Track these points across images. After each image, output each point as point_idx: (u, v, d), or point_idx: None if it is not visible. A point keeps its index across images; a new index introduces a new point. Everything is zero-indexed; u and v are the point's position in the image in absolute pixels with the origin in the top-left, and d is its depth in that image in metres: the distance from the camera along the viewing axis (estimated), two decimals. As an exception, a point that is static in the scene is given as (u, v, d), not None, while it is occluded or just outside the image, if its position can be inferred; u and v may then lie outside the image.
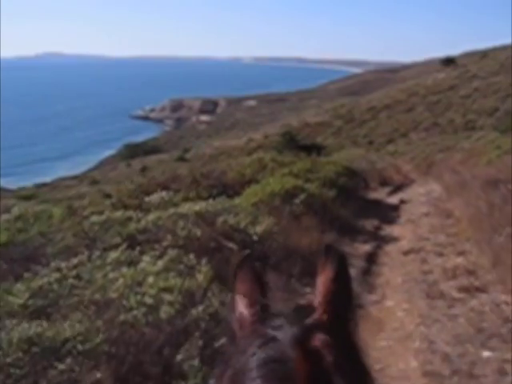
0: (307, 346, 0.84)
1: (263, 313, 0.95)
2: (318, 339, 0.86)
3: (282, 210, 6.27)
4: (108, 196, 6.82)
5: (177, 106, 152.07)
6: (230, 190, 7.26)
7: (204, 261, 4.54)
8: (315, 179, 7.96)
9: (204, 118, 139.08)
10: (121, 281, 4.24)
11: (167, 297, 4.10)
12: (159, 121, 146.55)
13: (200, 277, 4.35)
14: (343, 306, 0.97)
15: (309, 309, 0.95)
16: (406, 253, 6.60)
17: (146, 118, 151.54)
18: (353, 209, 7.92)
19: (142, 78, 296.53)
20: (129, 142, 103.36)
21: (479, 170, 10.57)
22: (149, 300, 4.05)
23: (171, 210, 5.29)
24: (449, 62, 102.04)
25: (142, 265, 4.59)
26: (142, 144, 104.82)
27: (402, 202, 10.43)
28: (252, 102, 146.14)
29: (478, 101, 60.47)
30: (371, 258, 6.43)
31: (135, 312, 3.95)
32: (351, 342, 0.93)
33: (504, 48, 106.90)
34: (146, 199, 6.70)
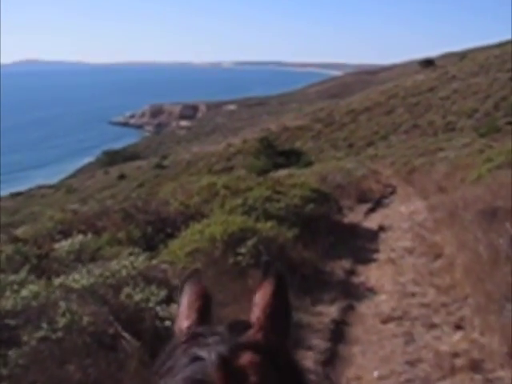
0: (231, 366, 0.81)
1: (197, 329, 0.92)
2: (246, 358, 0.83)
3: (223, 263, 5.00)
4: (16, 240, 5.55)
5: (157, 112, 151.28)
6: (170, 226, 5.98)
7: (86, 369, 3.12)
8: (274, 212, 6.63)
9: (184, 123, 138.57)
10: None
11: None
12: (139, 127, 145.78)
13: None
14: (281, 323, 0.95)
15: (245, 324, 0.91)
16: (385, 320, 5.19)
17: (125, 124, 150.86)
18: (321, 247, 6.51)
19: (121, 84, 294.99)
20: (108, 148, 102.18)
21: (469, 190, 9.10)
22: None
23: (57, 281, 3.96)
24: (428, 63, 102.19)
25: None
26: (121, 151, 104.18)
27: (381, 228, 8.94)
28: (232, 107, 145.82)
29: (457, 102, 60.09)
30: (338, 331, 4.99)
31: None
32: (287, 361, 0.90)
33: (483, 49, 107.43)
34: (57, 246, 5.38)
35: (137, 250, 4.93)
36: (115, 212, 5.83)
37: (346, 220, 9.61)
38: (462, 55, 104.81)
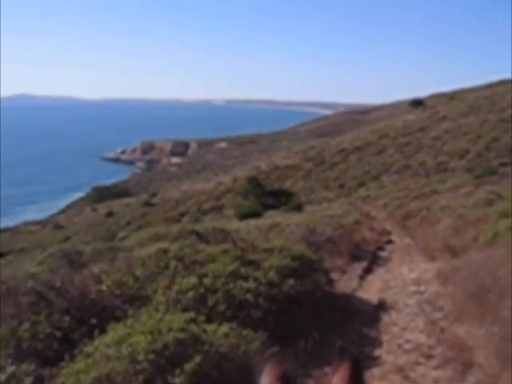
0: None
1: None
2: None
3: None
4: None
5: (148, 148, 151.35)
6: (97, 314, 4.44)
7: None
8: (240, 295, 4.94)
9: (175, 160, 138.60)
10: None
11: None
12: (130, 163, 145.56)
13: None
14: None
15: None
16: None
17: (117, 160, 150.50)
18: (302, 349, 4.69)
19: (113, 120, 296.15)
20: (98, 184, 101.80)
21: (488, 254, 7.51)
22: None
23: None
24: (417, 103, 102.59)
25: None
26: (111, 187, 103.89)
27: (382, 305, 7.14)
28: (223, 144, 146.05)
29: (448, 142, 59.53)
30: None
31: None
32: None
33: (471, 90, 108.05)
34: None
35: (24, 366, 3.42)
36: (23, 294, 4.36)
37: (338, 288, 7.95)
38: (451, 95, 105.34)
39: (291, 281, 5.61)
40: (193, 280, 4.91)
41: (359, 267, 10.39)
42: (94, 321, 4.29)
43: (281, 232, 12.72)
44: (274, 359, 1.33)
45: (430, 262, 10.31)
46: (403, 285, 8.39)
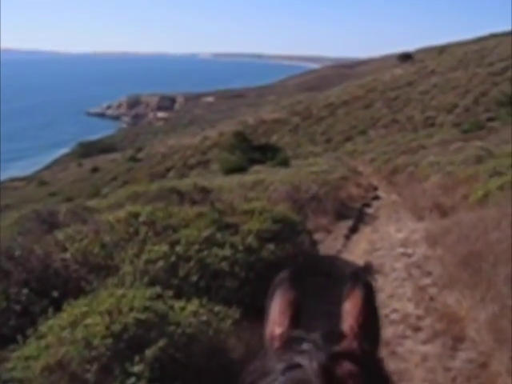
0: (332, 375, 0.81)
1: (292, 335, 0.92)
2: (345, 368, 0.83)
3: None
4: None
5: (134, 103, 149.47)
6: (60, 286, 4.01)
7: None
8: (214, 265, 4.51)
9: (161, 114, 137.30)
10: None
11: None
12: (116, 118, 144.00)
13: None
14: (372, 332, 0.95)
15: (338, 333, 0.91)
16: None
17: (102, 115, 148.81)
18: None
19: (98, 74, 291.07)
20: (84, 140, 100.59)
21: (479, 214, 7.10)
22: None
23: None
24: (406, 57, 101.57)
25: None
26: (96, 142, 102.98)
27: (368, 268, 6.69)
28: (210, 99, 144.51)
29: (436, 97, 59.10)
30: None
31: None
32: (381, 371, 0.90)
33: (461, 44, 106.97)
34: None
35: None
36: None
37: (322, 249, 7.63)
38: (440, 50, 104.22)
39: (271, 245, 5.20)
40: (163, 248, 4.52)
41: (345, 226, 10.08)
42: (55, 293, 3.95)
43: (264, 190, 12.38)
44: (284, 283, 0.99)
45: (417, 222, 9.98)
46: (390, 246, 8.05)
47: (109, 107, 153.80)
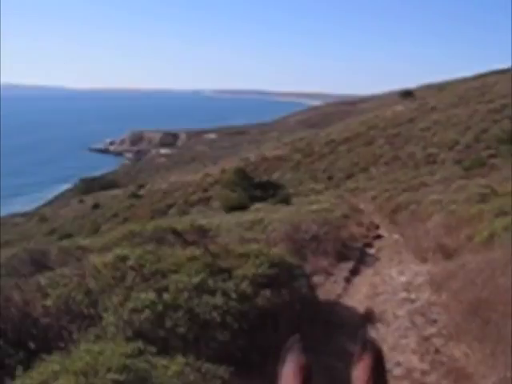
0: None
1: None
2: None
3: None
4: None
5: (137, 139, 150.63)
6: (39, 337, 3.68)
7: None
8: (205, 314, 4.19)
9: (164, 150, 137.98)
10: None
11: None
12: (119, 154, 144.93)
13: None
14: None
15: None
16: None
17: (105, 151, 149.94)
18: (277, 375, 3.98)
19: (101, 110, 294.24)
20: (86, 175, 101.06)
21: (486, 256, 6.78)
22: None
23: None
24: (407, 94, 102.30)
25: None
26: (98, 178, 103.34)
27: (369, 315, 6.29)
28: (212, 135, 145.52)
29: (438, 134, 59.22)
30: None
31: None
32: None
33: (461, 81, 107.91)
34: None
35: None
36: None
37: (322, 293, 7.27)
38: (441, 86, 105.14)
39: (267, 292, 4.86)
40: (150, 296, 4.26)
41: (345, 268, 9.77)
42: (32, 345, 3.69)
43: (263, 229, 12.14)
44: (296, 348, 1.15)
45: (421, 264, 9.66)
46: (392, 290, 7.69)
47: (112, 143, 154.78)
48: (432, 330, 5.77)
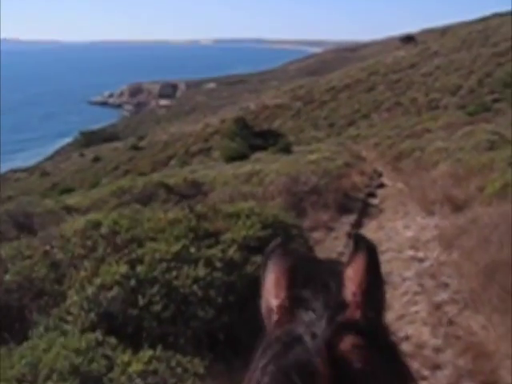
0: (334, 351, 0.79)
1: (290, 306, 0.89)
2: (349, 341, 0.81)
3: None
4: None
5: (136, 91, 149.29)
6: None
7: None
8: (185, 289, 3.61)
9: (163, 102, 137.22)
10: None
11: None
12: (118, 106, 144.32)
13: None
14: (376, 299, 0.91)
15: (340, 302, 0.87)
16: None
17: (104, 104, 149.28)
18: None
19: (99, 63, 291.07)
20: (86, 129, 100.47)
21: (501, 211, 6.13)
22: None
23: None
24: (408, 39, 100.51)
25: None
26: (98, 131, 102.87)
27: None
28: (212, 85, 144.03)
29: (440, 79, 58.11)
30: None
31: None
32: (387, 341, 0.87)
33: (464, 24, 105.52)
34: None
35: None
36: None
37: (322, 251, 6.75)
38: (443, 31, 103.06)
39: (258, 258, 4.34)
40: (122, 269, 3.72)
41: (347, 222, 9.21)
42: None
43: (260, 181, 11.58)
44: (278, 251, 0.86)
45: (427, 217, 9.00)
46: (398, 247, 7.11)
47: (111, 96, 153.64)
48: (444, 295, 5.16)
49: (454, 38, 79.10)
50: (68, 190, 36.67)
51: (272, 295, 0.91)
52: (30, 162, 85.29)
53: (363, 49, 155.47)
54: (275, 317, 0.87)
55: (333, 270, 0.94)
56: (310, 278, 0.92)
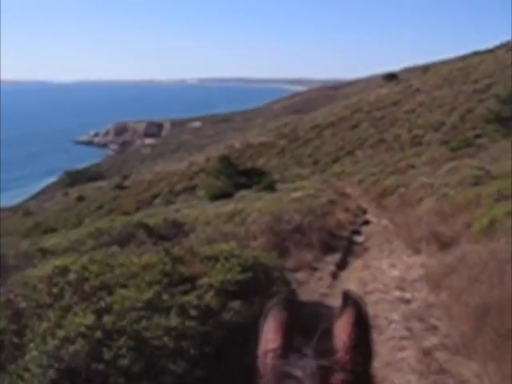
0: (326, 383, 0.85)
1: (284, 350, 0.95)
2: (339, 377, 0.86)
3: None
4: None
5: (121, 130, 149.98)
6: None
7: None
8: (156, 341, 3.38)
9: (149, 141, 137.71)
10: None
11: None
12: (103, 145, 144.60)
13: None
14: (365, 349, 0.95)
15: (331, 348, 0.92)
16: None
17: (90, 143, 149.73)
18: None
19: (85, 102, 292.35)
20: (72, 168, 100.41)
21: (489, 248, 5.92)
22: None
23: None
24: (391, 77, 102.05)
25: None
26: (83, 170, 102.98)
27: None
28: (197, 124, 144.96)
29: (422, 115, 58.99)
30: None
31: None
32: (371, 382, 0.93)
33: (445, 62, 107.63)
34: None
35: None
36: None
37: (305, 293, 6.50)
38: (425, 68, 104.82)
39: (236, 303, 4.07)
40: (88, 319, 3.45)
41: (332, 261, 8.98)
42: None
43: (243, 221, 11.37)
44: (278, 305, 0.97)
45: (414, 255, 8.74)
46: (384, 288, 6.85)
47: (96, 135, 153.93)
48: (433, 339, 4.86)
49: (436, 75, 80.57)
50: (51, 230, 36.21)
51: (270, 341, 0.94)
52: (15, 200, 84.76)
53: (347, 87, 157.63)
54: (270, 360, 0.90)
55: (327, 320, 0.96)
56: (305, 329, 0.94)
